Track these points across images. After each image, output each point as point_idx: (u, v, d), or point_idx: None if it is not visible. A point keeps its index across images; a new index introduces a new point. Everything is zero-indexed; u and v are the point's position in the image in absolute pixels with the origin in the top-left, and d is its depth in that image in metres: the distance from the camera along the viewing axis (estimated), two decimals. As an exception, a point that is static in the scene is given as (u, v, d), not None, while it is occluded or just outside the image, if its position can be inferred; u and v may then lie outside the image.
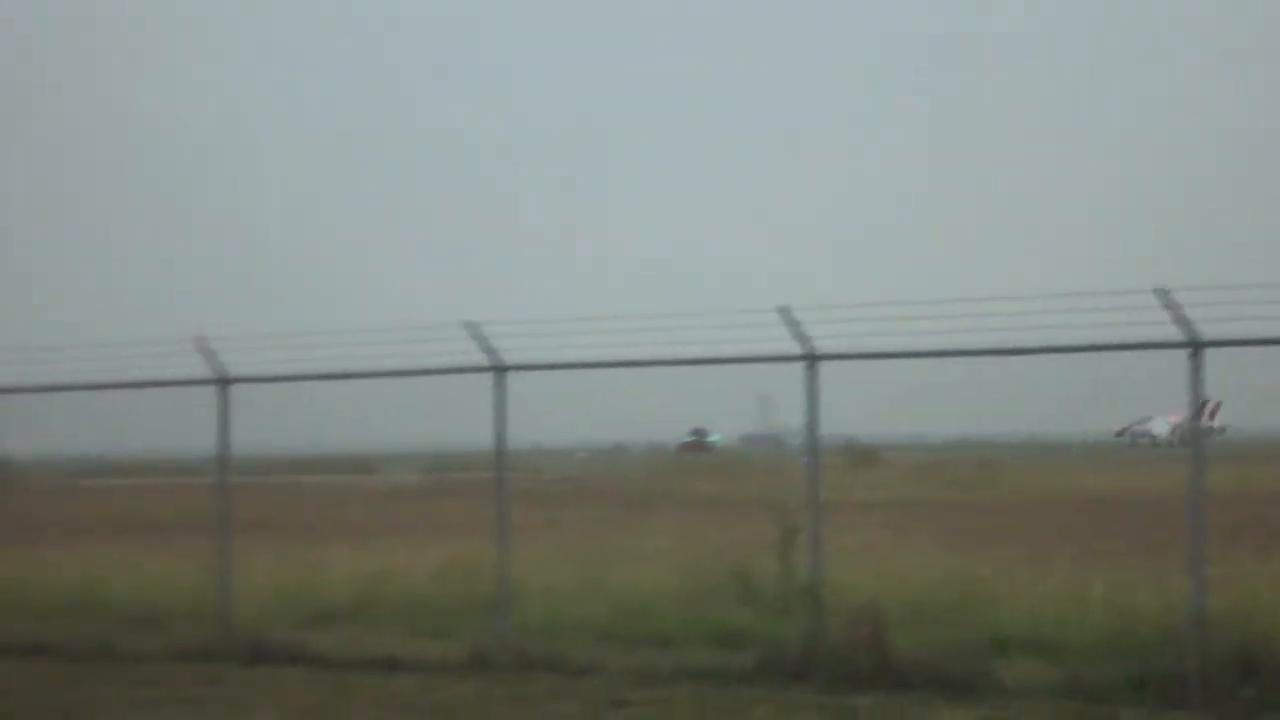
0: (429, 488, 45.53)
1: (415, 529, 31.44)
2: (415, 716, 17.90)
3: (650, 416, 23.87)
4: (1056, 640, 20.06)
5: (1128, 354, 19.25)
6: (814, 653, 19.73)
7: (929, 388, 21.78)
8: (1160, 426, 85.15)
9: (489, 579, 23.47)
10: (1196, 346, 18.47)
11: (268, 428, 25.17)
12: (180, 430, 25.92)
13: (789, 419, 23.22)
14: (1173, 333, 18.53)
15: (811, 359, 20.59)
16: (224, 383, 23.46)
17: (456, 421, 24.06)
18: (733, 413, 30.10)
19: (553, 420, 23.41)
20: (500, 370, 22.05)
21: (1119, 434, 76.72)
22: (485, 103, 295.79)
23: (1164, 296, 18.14)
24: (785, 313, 20.28)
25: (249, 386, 23.72)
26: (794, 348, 20.55)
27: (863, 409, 22.85)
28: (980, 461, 59.15)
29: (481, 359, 22.02)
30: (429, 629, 23.55)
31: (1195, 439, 19.32)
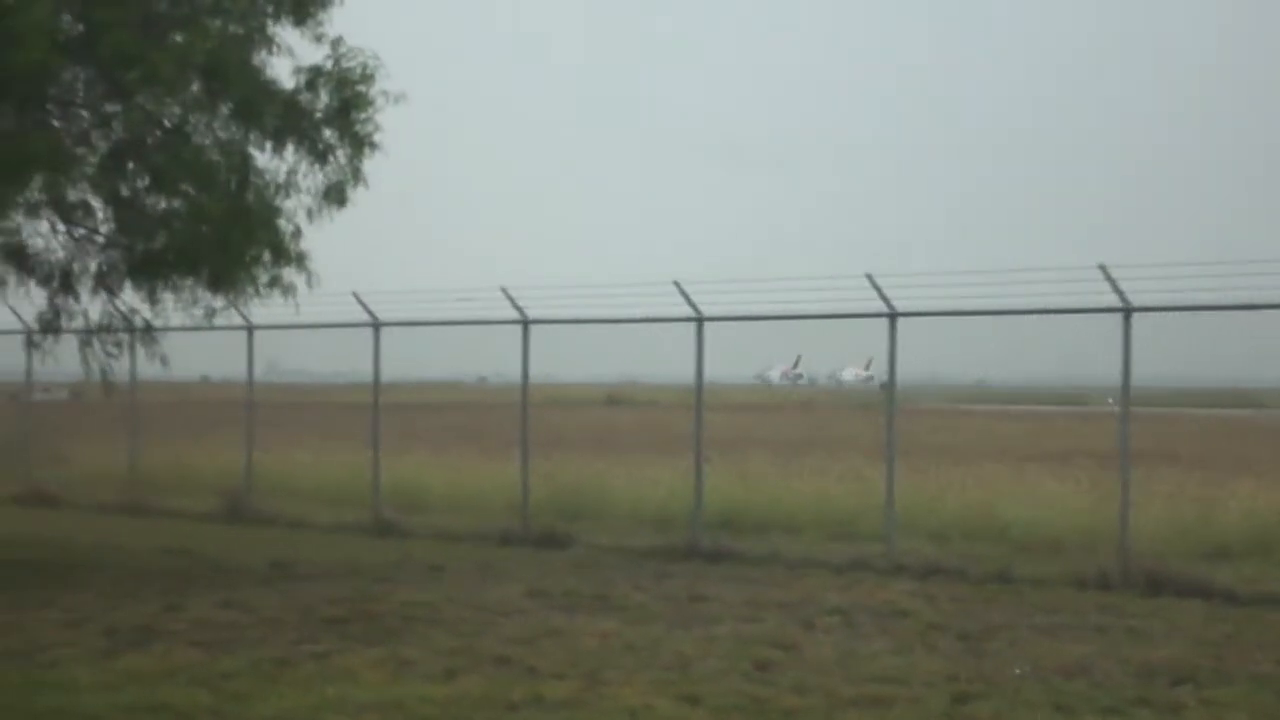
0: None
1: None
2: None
3: None
4: None
5: None
6: None
7: None
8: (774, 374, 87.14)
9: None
10: None
11: (1166, 359, 24.88)
12: (1076, 359, 25.93)
13: None
14: None
15: None
16: (1123, 312, 23.24)
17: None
18: None
19: None
20: None
21: None
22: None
23: None
24: None
25: (1146, 316, 23.42)
26: None
27: None
28: None
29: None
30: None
31: None
